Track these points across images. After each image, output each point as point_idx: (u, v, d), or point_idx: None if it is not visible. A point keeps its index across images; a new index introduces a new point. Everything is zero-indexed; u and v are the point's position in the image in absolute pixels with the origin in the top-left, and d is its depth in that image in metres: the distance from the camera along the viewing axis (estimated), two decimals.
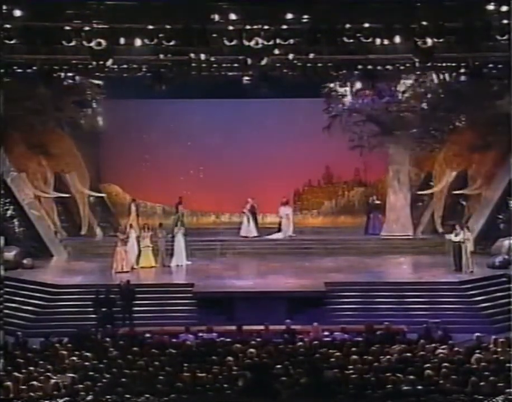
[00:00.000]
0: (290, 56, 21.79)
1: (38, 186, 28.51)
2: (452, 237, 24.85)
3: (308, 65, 22.72)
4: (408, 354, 15.97)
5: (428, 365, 14.99)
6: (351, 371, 14.84)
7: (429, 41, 20.04)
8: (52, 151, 28.84)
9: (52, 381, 14.32)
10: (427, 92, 27.85)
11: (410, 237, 29.10)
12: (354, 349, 16.51)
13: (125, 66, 22.88)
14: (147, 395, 13.72)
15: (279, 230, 29.35)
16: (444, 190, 29.19)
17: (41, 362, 15.72)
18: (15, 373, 14.60)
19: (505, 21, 19.37)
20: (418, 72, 26.05)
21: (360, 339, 17.83)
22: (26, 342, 18.16)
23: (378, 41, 20.46)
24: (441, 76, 26.30)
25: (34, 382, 14.17)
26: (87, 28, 19.94)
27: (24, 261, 26.28)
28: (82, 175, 29.65)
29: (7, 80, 22.43)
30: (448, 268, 25.26)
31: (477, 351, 16.00)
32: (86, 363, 15.66)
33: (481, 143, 28.14)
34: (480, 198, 28.51)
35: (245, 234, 29.52)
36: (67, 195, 29.24)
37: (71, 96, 27.67)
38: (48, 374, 14.74)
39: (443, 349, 16.43)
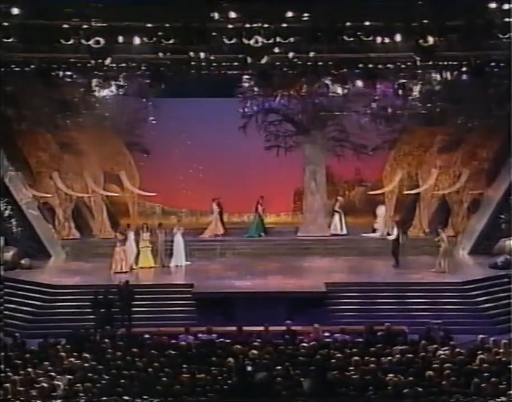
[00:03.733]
0: (291, 55, 21.81)
1: (70, 186, 28.73)
2: (389, 236, 25.85)
3: (309, 63, 22.74)
4: (410, 355, 15.96)
5: (429, 366, 15.00)
6: (352, 372, 14.86)
7: (430, 39, 20.07)
8: (101, 150, 29.10)
9: (51, 382, 14.33)
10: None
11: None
12: (354, 350, 16.51)
13: (124, 64, 22.88)
14: (146, 396, 13.74)
15: (374, 230, 29.46)
16: (395, 190, 29.43)
17: (39, 363, 15.72)
18: (14, 375, 14.61)
19: (507, 19, 19.40)
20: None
21: (360, 340, 17.84)
22: (24, 343, 18.15)
23: (378, 39, 20.51)
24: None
25: (33, 383, 14.18)
26: (85, 26, 19.99)
27: (22, 261, 26.26)
28: (131, 174, 29.78)
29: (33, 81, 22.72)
30: (449, 268, 25.33)
31: (479, 352, 16.00)
32: (85, 364, 15.67)
33: (447, 143, 28.38)
34: (432, 198, 29.11)
35: (335, 231, 29.56)
36: (115, 194, 29.49)
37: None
38: (47, 375, 14.74)
39: (445, 350, 16.43)
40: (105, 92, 26.76)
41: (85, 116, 28.27)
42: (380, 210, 29.59)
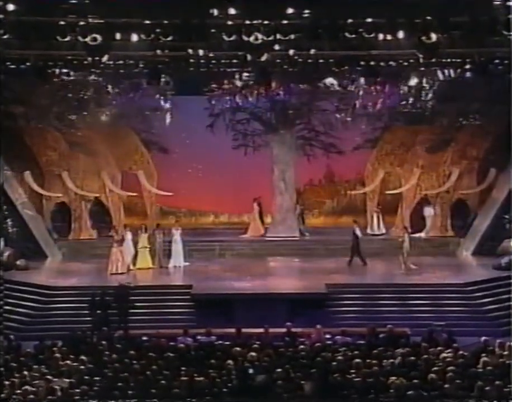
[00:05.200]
0: (291, 52, 21.73)
1: (80, 186, 28.82)
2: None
3: (309, 61, 22.69)
4: (412, 358, 15.92)
5: (432, 369, 14.96)
6: (353, 375, 14.82)
7: (433, 36, 20.00)
8: (119, 149, 29.36)
9: (47, 385, 14.28)
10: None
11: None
12: (356, 352, 16.47)
13: (121, 62, 22.80)
14: (144, 400, 13.70)
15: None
16: (377, 189, 29.40)
17: (35, 366, 15.67)
18: (9, 378, 14.57)
19: (511, 16, 19.34)
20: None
21: (362, 342, 17.80)
22: (20, 346, 18.09)
23: (380, 36, 20.40)
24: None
25: (28, 387, 14.13)
26: (82, 23, 19.88)
27: (18, 262, 26.23)
28: (149, 173, 29.71)
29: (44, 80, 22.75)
30: (452, 269, 25.35)
31: (483, 355, 15.95)
32: (82, 367, 15.62)
33: (435, 142, 28.40)
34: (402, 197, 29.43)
35: (372, 231, 29.62)
36: (133, 194, 29.56)
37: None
38: (43, 378, 14.70)
39: (448, 352, 16.39)
40: (117, 90, 26.81)
41: (96, 115, 28.34)
42: (428, 211, 29.45)
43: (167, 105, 28.69)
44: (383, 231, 29.68)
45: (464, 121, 28.08)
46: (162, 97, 28.20)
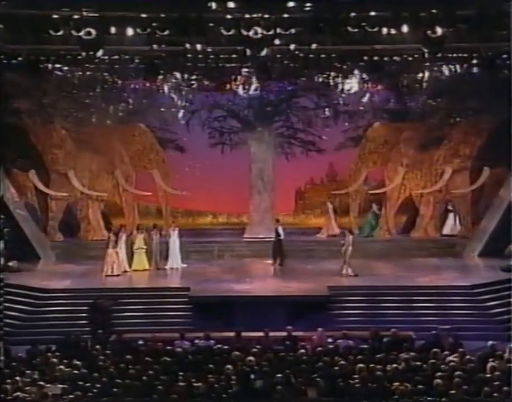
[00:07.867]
0: (292, 47, 21.76)
1: (87, 185, 28.75)
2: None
3: (311, 56, 22.72)
4: (417, 363, 15.93)
5: (438, 374, 14.96)
6: (356, 380, 14.82)
7: (439, 30, 20.01)
8: (133, 147, 29.42)
9: (40, 391, 14.29)
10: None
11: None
12: (359, 356, 16.47)
13: (116, 57, 22.84)
14: None
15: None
16: (360, 189, 29.48)
17: (28, 371, 15.66)
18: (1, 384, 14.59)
19: None
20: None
21: (365, 346, 17.81)
22: (9, 350, 18.06)
23: (384, 30, 20.43)
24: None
25: (20, 393, 14.14)
26: (76, 17, 19.89)
27: (10, 264, 26.18)
28: (165, 172, 29.69)
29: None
30: (458, 271, 25.35)
31: (490, 359, 15.95)
32: (76, 372, 15.62)
33: (426, 140, 28.42)
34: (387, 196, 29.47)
35: (447, 232, 29.54)
36: (148, 193, 29.54)
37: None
38: (36, 384, 14.70)
39: (454, 357, 16.40)
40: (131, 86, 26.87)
41: (106, 112, 28.35)
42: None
43: (181, 102, 28.69)
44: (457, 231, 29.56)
45: (458, 118, 28.10)
46: (177, 94, 28.18)
